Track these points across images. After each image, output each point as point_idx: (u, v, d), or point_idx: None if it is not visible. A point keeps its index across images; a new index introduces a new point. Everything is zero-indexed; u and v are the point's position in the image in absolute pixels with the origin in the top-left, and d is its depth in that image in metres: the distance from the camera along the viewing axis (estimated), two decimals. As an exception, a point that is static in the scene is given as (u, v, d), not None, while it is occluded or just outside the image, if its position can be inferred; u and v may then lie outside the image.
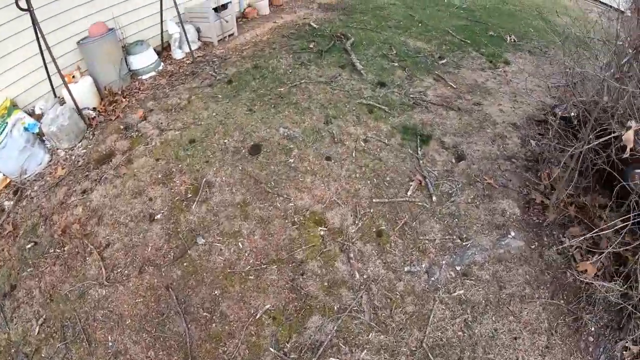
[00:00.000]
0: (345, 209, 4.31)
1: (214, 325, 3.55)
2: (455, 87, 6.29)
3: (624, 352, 3.26)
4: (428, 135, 5.18)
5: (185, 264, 3.90)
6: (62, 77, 4.91)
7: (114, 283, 3.83)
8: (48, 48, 4.66)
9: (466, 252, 4.01)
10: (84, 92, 5.46)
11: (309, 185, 4.50)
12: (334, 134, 5.03)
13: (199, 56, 7.01)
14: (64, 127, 4.89)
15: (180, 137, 5.07)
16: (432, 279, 3.82)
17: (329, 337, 3.42)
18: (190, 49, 6.69)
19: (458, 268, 3.89)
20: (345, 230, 4.13)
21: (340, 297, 3.67)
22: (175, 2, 6.05)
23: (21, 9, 4.48)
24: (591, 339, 3.47)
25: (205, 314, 3.61)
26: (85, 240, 4.13)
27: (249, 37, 7.65)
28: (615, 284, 3.34)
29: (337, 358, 3.33)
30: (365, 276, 3.82)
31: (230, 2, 7.36)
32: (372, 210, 4.32)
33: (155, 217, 4.26)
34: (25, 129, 4.83)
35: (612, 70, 4.65)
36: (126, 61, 6.22)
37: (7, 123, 4.66)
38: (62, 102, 5.46)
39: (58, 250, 4.13)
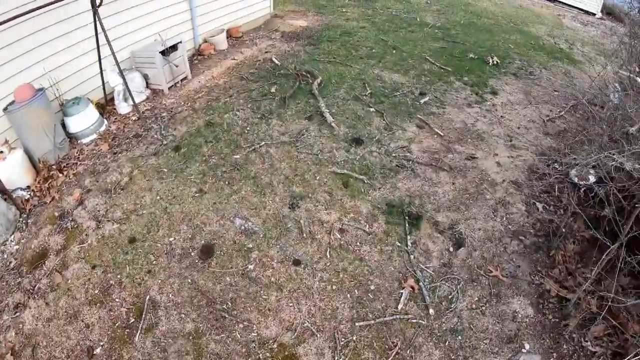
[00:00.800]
0: (321, 338, 3.21)
1: None
2: (442, 134, 5.21)
3: None
4: (418, 215, 4.09)
5: None
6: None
7: None
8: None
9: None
10: (14, 169, 4.33)
11: (275, 305, 3.38)
12: (302, 224, 3.89)
13: (146, 110, 5.76)
14: (-10, 221, 3.70)
15: (119, 234, 3.90)
16: None
17: None
18: (134, 102, 5.42)
19: None
20: (323, 375, 3.02)
21: None
22: (112, 50, 4.77)
23: None
24: None
25: None
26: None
27: (203, 81, 6.41)
28: None
29: None
30: None
31: (180, 42, 6.09)
32: (355, 338, 3.23)
33: (95, 352, 3.20)
34: None
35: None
36: (63, 124, 5.01)
37: None
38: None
39: None
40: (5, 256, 3.95)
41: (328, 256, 3.71)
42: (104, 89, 5.59)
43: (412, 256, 3.77)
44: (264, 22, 8.49)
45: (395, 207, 4.18)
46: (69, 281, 3.62)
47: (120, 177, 4.54)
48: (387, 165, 4.65)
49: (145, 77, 6.05)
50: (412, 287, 3.52)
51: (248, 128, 5.17)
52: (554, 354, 3.22)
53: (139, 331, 3.26)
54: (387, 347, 3.21)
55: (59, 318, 3.40)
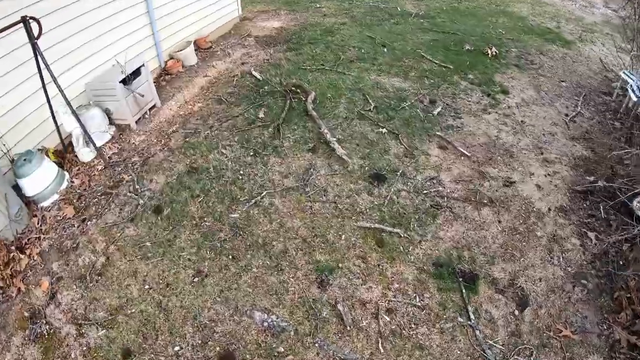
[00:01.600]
0: None
1: None
2: (469, 154, 4.33)
3: None
4: (472, 274, 3.25)
5: None
6: None
7: None
8: None
9: None
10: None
11: None
12: (342, 310, 2.93)
13: (113, 154, 4.56)
14: None
15: (108, 344, 2.88)
16: None
17: None
18: (97, 149, 4.19)
19: None
20: None
21: None
22: (59, 88, 3.56)
23: None
24: None
25: None
26: None
27: (175, 108, 5.20)
28: None
29: None
30: None
31: (143, 65, 4.83)
32: None
33: None
34: None
35: None
36: (17, 188, 3.82)
37: None
38: None
39: None
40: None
41: (382, 350, 2.80)
42: (59, 133, 4.33)
43: (477, 331, 2.92)
44: (233, 26, 7.22)
45: (444, 266, 3.29)
46: None
47: (95, 258, 3.42)
48: (421, 208, 3.73)
49: (107, 111, 4.80)
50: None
51: (241, 172, 4.08)
52: None
53: None
54: None
55: None
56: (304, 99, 5.13)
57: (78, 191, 4.06)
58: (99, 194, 4.02)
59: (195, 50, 6.24)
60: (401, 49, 6.74)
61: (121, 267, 3.32)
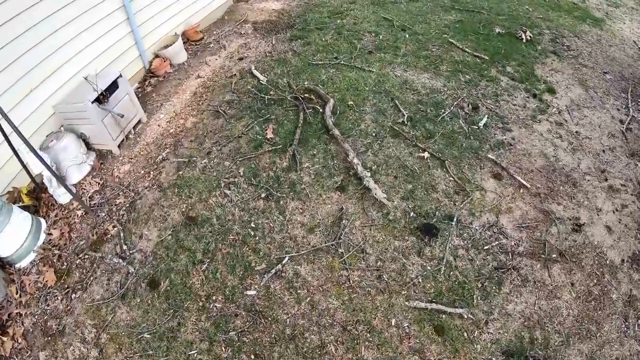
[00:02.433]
0: None
1: None
2: (528, 184, 3.44)
3: None
4: (557, 369, 2.45)
5: None
6: None
7: None
8: None
9: None
10: None
11: None
12: None
13: (94, 192, 3.56)
14: None
15: None
16: None
17: None
18: (72, 193, 3.20)
19: None
20: None
21: None
22: (10, 123, 2.58)
23: None
24: None
25: None
26: None
27: (164, 123, 4.14)
28: None
29: None
30: None
31: (120, 76, 3.70)
32: None
33: None
34: None
35: None
36: None
37: None
38: None
39: None
40: None
41: None
42: (28, 172, 3.32)
43: None
44: (227, 10, 5.89)
45: (516, 356, 2.48)
46: None
47: (86, 350, 2.59)
48: (484, 272, 2.88)
49: (83, 136, 3.72)
50: None
51: (252, 224, 3.13)
52: None
53: None
54: None
55: None
56: (320, 109, 4.06)
57: (58, 248, 3.10)
58: (81, 252, 3.07)
59: (185, 42, 5.00)
60: (424, 33, 5.57)
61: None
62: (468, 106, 4.27)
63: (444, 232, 3.11)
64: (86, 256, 3.09)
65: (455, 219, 3.16)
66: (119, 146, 3.92)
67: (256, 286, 2.80)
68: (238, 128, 4.00)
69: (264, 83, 4.54)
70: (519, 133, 4.08)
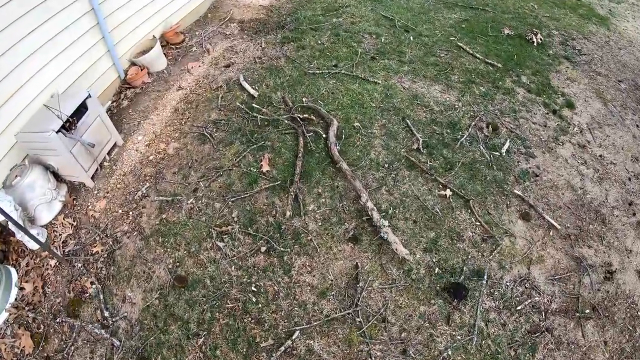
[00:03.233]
0: None
1: None
2: (558, 225, 3.11)
3: None
4: None
5: None
6: None
7: None
8: None
9: None
10: None
11: None
12: None
13: (68, 237, 3.02)
14: None
15: None
16: None
17: None
18: (40, 243, 2.69)
19: None
20: None
21: None
22: None
23: None
24: None
25: None
26: None
27: (142, 147, 3.58)
28: None
29: None
30: None
31: (89, 96, 3.10)
32: None
33: None
34: None
35: None
36: None
37: None
38: None
39: None
40: None
41: None
42: None
43: None
44: (210, 6, 5.19)
45: None
46: None
47: None
48: (517, 337, 2.56)
49: (51, 168, 3.10)
50: None
51: (253, 287, 2.68)
52: None
53: None
54: None
55: None
56: (322, 133, 3.56)
57: (32, 308, 2.58)
58: (58, 314, 2.55)
59: (164, 46, 4.34)
60: (429, 35, 5.08)
61: None
62: (488, 128, 3.86)
63: (474, 292, 2.73)
64: (64, 322, 2.58)
65: (485, 276, 2.79)
66: (92, 177, 3.33)
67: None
68: (228, 157, 3.46)
69: (255, 97, 3.97)
70: (543, 159, 3.72)
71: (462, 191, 3.23)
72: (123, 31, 3.87)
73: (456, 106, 4.04)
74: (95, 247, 2.96)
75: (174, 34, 4.42)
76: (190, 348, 2.45)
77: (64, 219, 3.14)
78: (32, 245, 2.93)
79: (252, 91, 3.98)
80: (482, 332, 2.57)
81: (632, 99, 4.86)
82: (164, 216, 3.05)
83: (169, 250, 2.88)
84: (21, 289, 2.72)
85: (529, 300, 2.76)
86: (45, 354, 2.48)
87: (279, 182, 3.21)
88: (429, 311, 2.61)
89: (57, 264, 2.90)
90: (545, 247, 3.06)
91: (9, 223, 2.77)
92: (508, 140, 3.74)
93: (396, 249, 2.71)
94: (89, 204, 3.22)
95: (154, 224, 3.03)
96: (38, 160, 3.10)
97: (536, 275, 2.90)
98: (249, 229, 2.95)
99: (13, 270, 2.76)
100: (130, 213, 3.13)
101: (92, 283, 2.79)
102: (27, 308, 2.65)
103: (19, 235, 2.88)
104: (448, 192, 3.18)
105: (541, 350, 2.58)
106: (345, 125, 3.69)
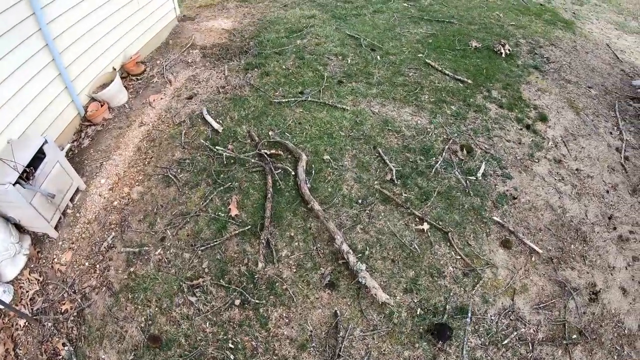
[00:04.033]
0: None
1: None
2: (540, 249, 3.13)
3: None
4: None
5: None
6: None
7: None
8: None
9: None
10: None
11: None
12: None
13: (35, 294, 2.88)
14: None
15: None
16: None
17: None
18: (5, 305, 2.52)
19: None
20: None
21: None
22: None
23: None
24: None
25: None
26: None
27: (106, 192, 3.46)
28: None
29: None
30: None
31: (46, 142, 2.96)
32: None
33: None
34: None
35: None
36: None
37: None
38: None
39: None
40: None
41: None
42: None
43: None
44: (171, 32, 5.06)
45: None
46: None
47: None
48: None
49: (12, 220, 2.94)
50: None
51: (230, 343, 2.57)
52: None
53: None
54: None
55: None
56: (291, 170, 3.49)
57: None
58: None
59: (124, 78, 4.19)
60: (396, 52, 5.11)
61: None
62: (462, 150, 3.87)
63: (458, 331, 2.70)
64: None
65: (469, 313, 2.76)
66: (56, 227, 3.17)
67: None
68: (194, 201, 3.34)
69: (219, 132, 3.88)
70: (520, 180, 3.74)
71: (440, 223, 3.21)
72: (81, 65, 3.72)
73: (428, 129, 4.04)
74: (64, 304, 2.81)
75: (135, 64, 4.28)
76: None
77: (29, 274, 2.98)
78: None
79: (216, 125, 3.89)
80: (470, 375, 2.52)
81: (604, 105, 4.98)
82: (132, 269, 2.91)
83: (139, 307, 2.74)
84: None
85: (515, 333, 2.74)
86: None
87: (249, 226, 3.12)
88: (413, 355, 2.55)
89: (27, 323, 2.74)
90: (528, 274, 3.06)
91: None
92: (483, 163, 3.75)
93: (375, 294, 2.65)
94: (54, 256, 3.06)
95: (122, 278, 2.89)
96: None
97: (521, 305, 2.88)
98: (221, 280, 2.84)
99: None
100: (97, 266, 2.98)
101: (64, 344, 2.65)
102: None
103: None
104: (425, 226, 3.15)
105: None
106: (314, 159, 3.63)
